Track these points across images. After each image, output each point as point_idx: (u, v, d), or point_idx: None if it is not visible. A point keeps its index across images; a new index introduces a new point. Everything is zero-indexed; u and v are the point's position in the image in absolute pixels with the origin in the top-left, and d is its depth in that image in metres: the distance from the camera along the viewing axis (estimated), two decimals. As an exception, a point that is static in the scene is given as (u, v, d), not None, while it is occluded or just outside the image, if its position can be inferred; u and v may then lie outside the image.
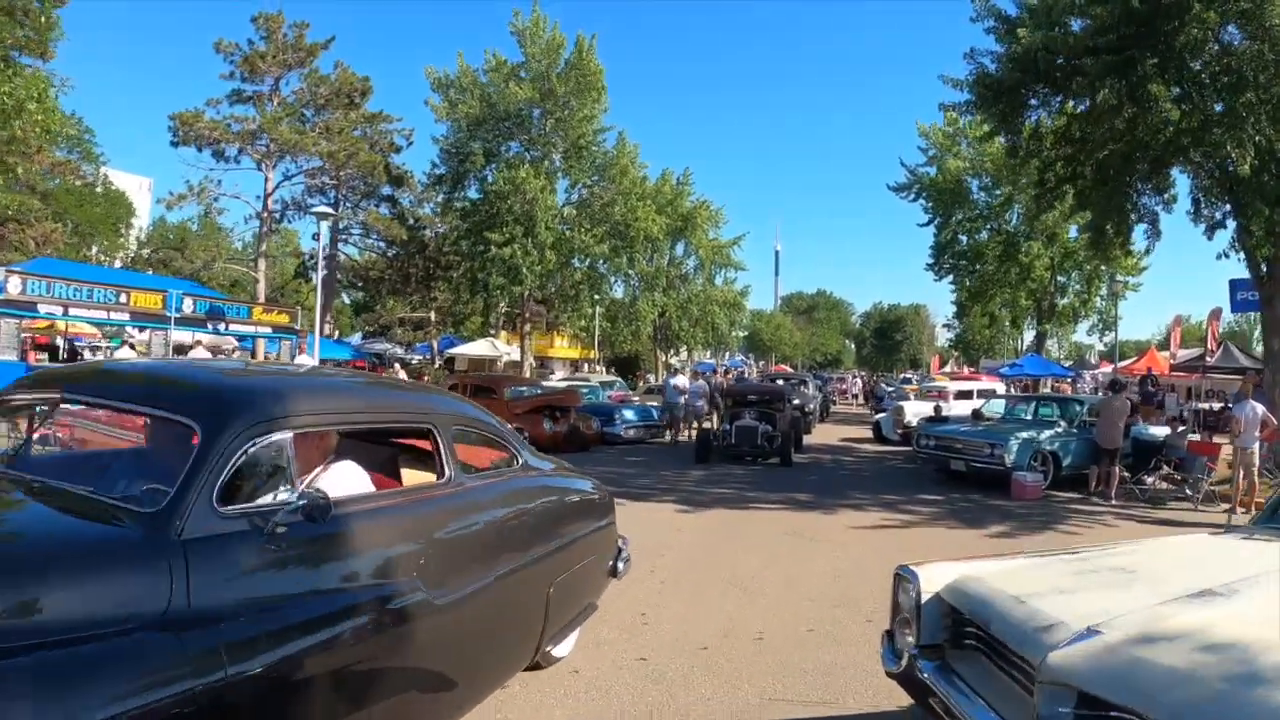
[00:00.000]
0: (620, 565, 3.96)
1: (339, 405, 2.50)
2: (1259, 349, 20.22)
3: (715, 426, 14.62)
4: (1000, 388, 23.69)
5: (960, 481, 11.18)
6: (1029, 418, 12.52)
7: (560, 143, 28.03)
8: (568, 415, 14.24)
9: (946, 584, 2.52)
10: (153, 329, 16.34)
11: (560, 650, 3.74)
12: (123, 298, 15.59)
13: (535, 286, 28.09)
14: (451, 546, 2.57)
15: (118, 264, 38.03)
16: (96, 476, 2.26)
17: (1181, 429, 12.79)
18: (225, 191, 28.00)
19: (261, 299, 26.79)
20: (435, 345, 34.35)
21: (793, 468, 12.74)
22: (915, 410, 17.38)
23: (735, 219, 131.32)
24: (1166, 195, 13.04)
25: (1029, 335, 37.26)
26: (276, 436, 2.06)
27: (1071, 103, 12.64)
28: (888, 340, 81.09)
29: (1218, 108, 10.81)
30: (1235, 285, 15.08)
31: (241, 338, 20.53)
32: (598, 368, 35.41)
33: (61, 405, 2.43)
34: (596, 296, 30.41)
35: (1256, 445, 9.31)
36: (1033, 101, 12.76)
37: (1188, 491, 10.00)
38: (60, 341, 19.67)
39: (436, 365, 31.60)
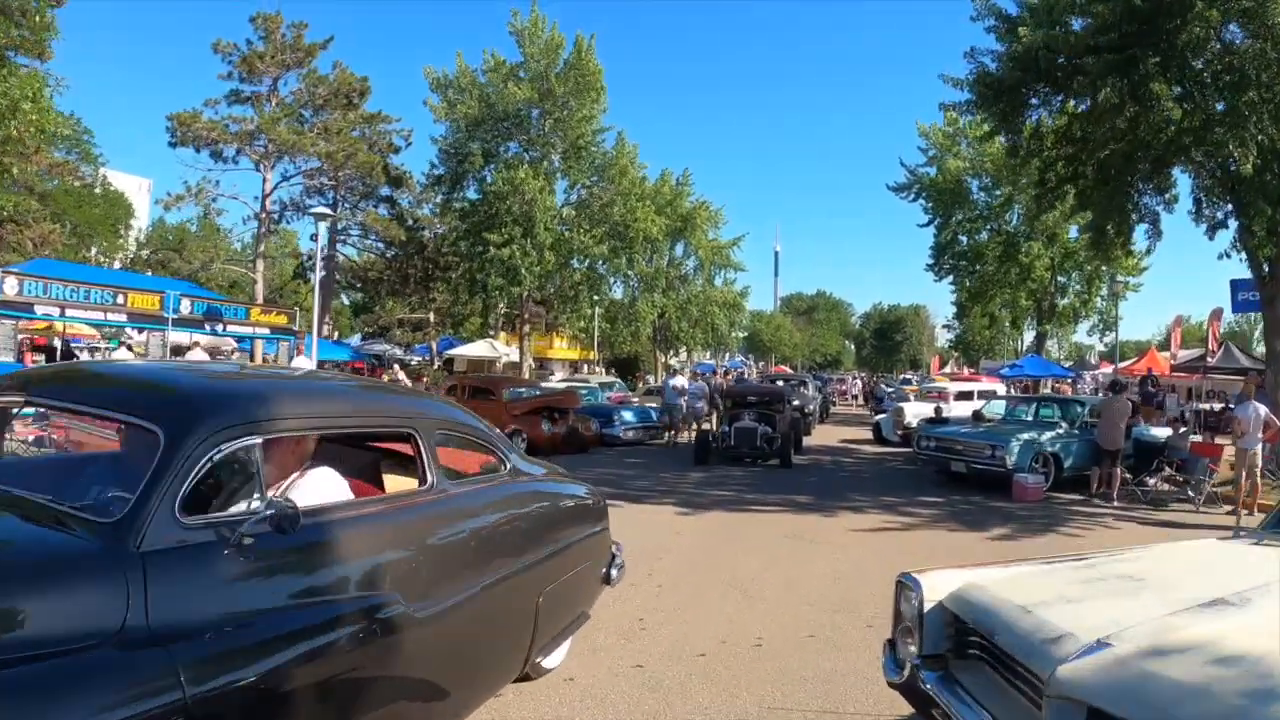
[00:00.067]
0: (614, 572, 3.85)
1: (312, 409, 2.38)
2: (1260, 349, 20.19)
3: (714, 428, 14.55)
4: (1000, 388, 23.60)
5: (961, 483, 11.11)
6: (1030, 419, 12.46)
7: (559, 143, 28.01)
8: (566, 416, 14.20)
9: (950, 592, 2.45)
10: (150, 330, 16.26)
11: (551, 661, 3.63)
12: (120, 299, 15.54)
13: (534, 287, 28.06)
14: (433, 556, 2.46)
15: (117, 265, 38.03)
16: (60, 483, 2.17)
17: (1183, 430, 12.73)
18: (223, 192, 28.00)
19: (260, 300, 26.72)
20: (434, 346, 34.32)
21: (792, 469, 12.67)
22: (915, 411, 17.32)
23: (734, 219, 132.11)
24: (1168, 195, 13.03)
25: (1029, 336, 37.25)
26: (244, 442, 1.96)
27: (1072, 102, 12.61)
28: (887, 341, 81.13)
29: (1220, 107, 10.77)
30: (1236, 285, 15.04)
31: (239, 339, 20.43)
32: (597, 369, 35.32)
33: (26, 408, 2.34)
34: (596, 297, 30.39)
35: (1259, 447, 9.30)
36: (1033, 101, 12.72)
37: (1190, 493, 9.94)
38: (58, 343, 19.58)
39: (435, 366, 31.54)
